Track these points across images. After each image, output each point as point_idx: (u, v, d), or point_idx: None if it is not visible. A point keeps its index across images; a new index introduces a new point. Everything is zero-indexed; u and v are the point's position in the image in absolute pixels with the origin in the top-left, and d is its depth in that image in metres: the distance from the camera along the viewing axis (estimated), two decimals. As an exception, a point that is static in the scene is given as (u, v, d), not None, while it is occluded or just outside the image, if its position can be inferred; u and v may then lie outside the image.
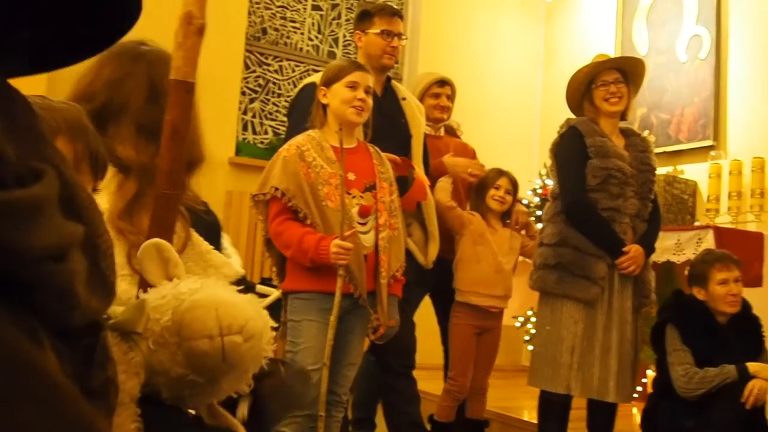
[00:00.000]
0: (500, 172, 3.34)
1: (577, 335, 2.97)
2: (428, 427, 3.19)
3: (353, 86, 2.44)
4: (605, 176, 2.97)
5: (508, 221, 3.39)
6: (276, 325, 1.09)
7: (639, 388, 4.07)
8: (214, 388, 1.06)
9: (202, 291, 1.04)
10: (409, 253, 3.01)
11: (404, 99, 3.12)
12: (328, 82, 2.48)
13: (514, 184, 3.36)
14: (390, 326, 2.46)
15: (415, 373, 3.10)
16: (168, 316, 1.03)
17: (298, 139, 2.45)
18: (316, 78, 2.85)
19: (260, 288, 3.82)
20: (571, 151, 3.06)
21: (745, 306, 2.95)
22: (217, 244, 1.54)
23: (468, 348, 3.24)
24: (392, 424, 3.08)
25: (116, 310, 1.06)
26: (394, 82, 3.16)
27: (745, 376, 2.70)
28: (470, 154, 3.68)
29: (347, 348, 2.47)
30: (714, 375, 2.74)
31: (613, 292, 3.01)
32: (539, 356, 3.06)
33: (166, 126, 1.29)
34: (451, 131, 3.71)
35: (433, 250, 3.10)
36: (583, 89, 3.13)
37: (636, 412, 3.19)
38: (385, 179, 2.52)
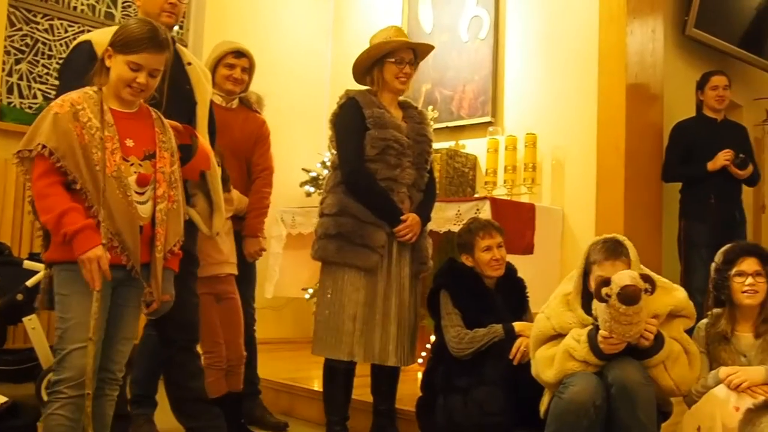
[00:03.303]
0: None
1: (359, 302, 3.04)
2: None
3: (136, 69, 2.27)
4: (383, 147, 3.05)
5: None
6: None
7: (423, 354, 4.26)
8: None
9: None
10: (193, 225, 2.90)
11: (189, 64, 2.98)
12: (114, 46, 2.29)
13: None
14: (164, 301, 2.35)
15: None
16: None
17: (73, 95, 2.25)
18: (92, 36, 2.65)
19: (28, 264, 3.54)
20: (350, 121, 3.10)
21: (510, 269, 3.14)
22: None
23: (212, 317, 3.20)
24: (175, 401, 2.97)
25: None
26: (179, 46, 2.99)
27: (512, 335, 2.88)
28: (259, 127, 3.60)
29: (121, 322, 2.33)
30: (483, 334, 2.89)
31: (392, 259, 3.11)
32: (322, 325, 3.10)
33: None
34: (248, 104, 3.60)
35: (219, 221, 3.00)
36: (377, 59, 3.16)
37: (421, 376, 3.34)
38: (167, 149, 2.39)
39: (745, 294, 2.55)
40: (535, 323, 2.65)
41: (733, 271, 2.59)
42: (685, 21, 5.43)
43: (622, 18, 4.55)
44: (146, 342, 3.24)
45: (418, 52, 3.24)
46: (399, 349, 3.09)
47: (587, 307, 2.50)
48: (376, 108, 3.10)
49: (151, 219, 2.29)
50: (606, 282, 2.31)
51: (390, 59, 3.13)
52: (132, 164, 2.27)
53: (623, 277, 2.29)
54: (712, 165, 4.49)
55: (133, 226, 2.24)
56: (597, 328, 2.38)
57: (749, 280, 2.55)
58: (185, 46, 4.93)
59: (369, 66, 3.19)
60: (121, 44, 2.28)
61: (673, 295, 2.52)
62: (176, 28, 3.37)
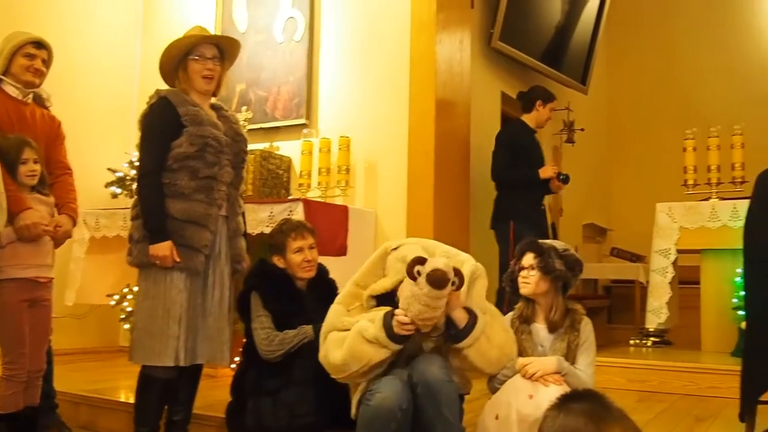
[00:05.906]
0: (22, 142, 3.02)
1: (183, 304, 2.91)
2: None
3: None
4: (202, 144, 2.94)
5: (46, 191, 3.14)
6: None
7: (237, 358, 4.16)
8: None
9: None
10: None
11: None
12: None
13: (38, 152, 3.07)
14: None
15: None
16: None
17: None
18: None
19: None
20: (159, 122, 2.97)
21: (322, 271, 3.15)
22: None
23: (22, 325, 2.97)
24: (-46, 421, 2.70)
25: None
26: None
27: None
28: (56, 127, 3.44)
29: None
30: (293, 336, 2.88)
31: (213, 258, 3.01)
32: (144, 332, 2.91)
33: None
34: (39, 101, 3.42)
35: (0, 220, 2.78)
36: (179, 58, 3.06)
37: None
38: None
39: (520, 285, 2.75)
40: (330, 311, 2.67)
41: (518, 266, 2.77)
42: (491, 34, 5.74)
43: (432, 28, 4.72)
44: None
45: (224, 48, 3.15)
46: (223, 348, 3.01)
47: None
48: (191, 106, 2.99)
49: None
50: (421, 260, 2.38)
51: (192, 57, 3.04)
52: None
53: (438, 261, 2.37)
54: (544, 173, 4.84)
55: None
56: (393, 313, 2.44)
57: (524, 272, 2.73)
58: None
59: (174, 67, 3.08)
60: None
61: (465, 259, 2.66)
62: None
